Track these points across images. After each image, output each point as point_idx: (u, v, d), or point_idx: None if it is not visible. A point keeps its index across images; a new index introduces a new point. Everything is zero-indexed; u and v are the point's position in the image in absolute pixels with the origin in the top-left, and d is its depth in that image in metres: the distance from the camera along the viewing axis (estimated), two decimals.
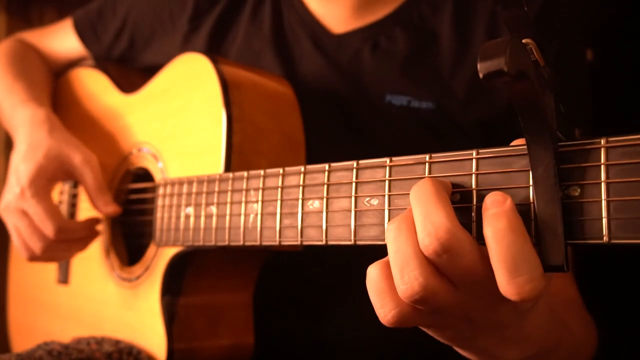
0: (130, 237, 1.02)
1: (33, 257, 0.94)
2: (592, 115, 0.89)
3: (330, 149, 0.91)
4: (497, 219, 0.43)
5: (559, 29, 0.89)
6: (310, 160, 0.87)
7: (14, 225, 0.94)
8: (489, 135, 0.89)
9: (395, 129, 0.92)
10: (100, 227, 0.99)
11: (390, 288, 0.47)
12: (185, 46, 1.09)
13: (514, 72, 0.39)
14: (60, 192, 1.16)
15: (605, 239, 0.41)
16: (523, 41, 0.44)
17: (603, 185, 0.41)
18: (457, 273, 0.45)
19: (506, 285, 0.42)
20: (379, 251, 0.53)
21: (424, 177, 0.49)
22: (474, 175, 0.49)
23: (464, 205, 0.49)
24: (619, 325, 1.09)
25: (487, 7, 0.90)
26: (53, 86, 1.23)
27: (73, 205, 1.12)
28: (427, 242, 0.44)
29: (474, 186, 0.48)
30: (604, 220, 0.41)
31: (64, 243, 0.93)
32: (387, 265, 0.48)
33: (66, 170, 0.95)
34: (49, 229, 0.89)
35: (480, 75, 0.39)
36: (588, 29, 1.03)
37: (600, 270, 1.07)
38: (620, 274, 1.11)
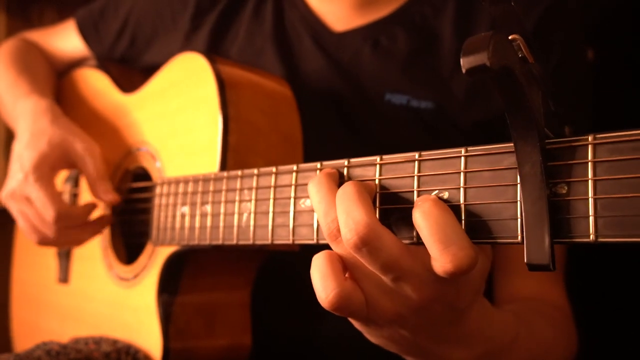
0: (129, 236, 1.02)
1: (42, 242, 0.95)
2: (591, 115, 0.88)
3: (328, 147, 0.91)
4: (422, 202, 0.47)
5: (562, 32, 0.88)
6: (308, 159, 0.86)
7: (19, 211, 0.94)
8: (488, 136, 0.87)
9: (394, 128, 0.91)
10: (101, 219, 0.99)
11: (334, 270, 0.49)
12: (187, 45, 1.09)
13: (497, 68, 0.38)
14: (61, 192, 1.16)
15: (592, 237, 0.40)
16: (510, 37, 0.43)
17: (590, 183, 0.41)
18: (378, 267, 0.48)
19: (440, 255, 0.44)
20: None
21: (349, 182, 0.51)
22: (462, 173, 0.48)
23: (452, 204, 0.48)
24: (607, 325, 1.08)
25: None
26: (56, 85, 1.24)
27: (73, 204, 1.12)
28: (349, 236, 0.47)
29: (462, 184, 0.48)
30: (591, 219, 0.40)
31: (66, 229, 0.93)
32: (331, 253, 0.51)
33: (68, 158, 0.95)
34: (49, 214, 0.89)
35: (463, 70, 0.38)
36: (589, 28, 1.02)
37: (590, 271, 1.06)
38: (610, 274, 1.10)
